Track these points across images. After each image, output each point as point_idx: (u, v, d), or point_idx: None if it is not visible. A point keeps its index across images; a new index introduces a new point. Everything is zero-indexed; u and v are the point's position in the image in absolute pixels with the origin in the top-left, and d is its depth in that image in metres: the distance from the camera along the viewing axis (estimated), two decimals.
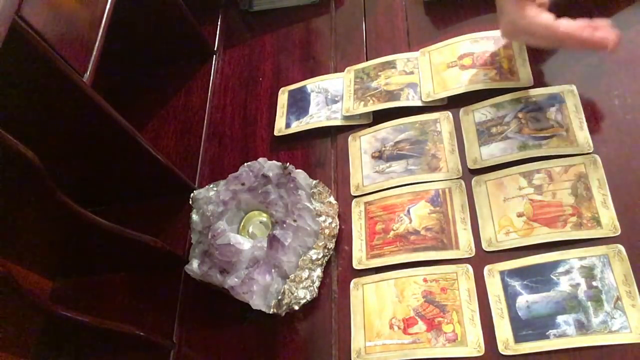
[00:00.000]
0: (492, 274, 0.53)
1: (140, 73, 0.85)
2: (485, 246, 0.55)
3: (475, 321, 0.52)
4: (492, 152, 0.59)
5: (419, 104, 0.66)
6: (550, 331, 0.49)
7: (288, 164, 0.63)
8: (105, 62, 0.57)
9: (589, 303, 0.49)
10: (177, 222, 0.70)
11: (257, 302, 0.57)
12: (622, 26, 0.61)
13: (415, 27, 0.73)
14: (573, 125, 0.58)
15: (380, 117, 0.68)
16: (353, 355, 0.54)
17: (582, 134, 0.57)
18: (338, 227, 0.61)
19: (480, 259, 0.55)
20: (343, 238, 0.61)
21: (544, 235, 0.53)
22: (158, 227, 0.70)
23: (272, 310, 0.57)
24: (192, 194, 0.68)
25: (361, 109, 0.68)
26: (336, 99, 0.71)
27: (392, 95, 0.68)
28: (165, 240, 0.64)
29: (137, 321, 0.64)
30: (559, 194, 0.55)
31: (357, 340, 0.55)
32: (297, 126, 0.71)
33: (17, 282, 0.44)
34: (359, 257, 0.59)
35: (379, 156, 0.65)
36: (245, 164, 0.65)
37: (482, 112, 0.63)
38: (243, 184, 0.63)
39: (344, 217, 0.63)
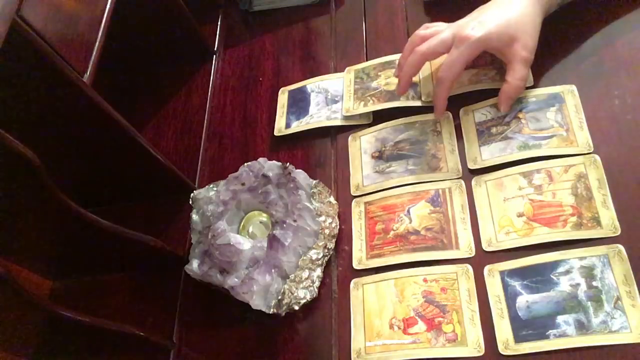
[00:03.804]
0: (492, 274, 0.53)
1: (140, 73, 0.85)
2: (485, 246, 0.55)
3: (475, 321, 0.52)
4: (492, 152, 0.59)
5: (419, 104, 0.66)
6: (550, 331, 0.49)
7: (288, 164, 0.63)
8: (105, 62, 0.57)
9: (589, 303, 0.49)
10: (177, 222, 0.70)
11: (257, 302, 0.57)
12: (623, 27, 0.61)
13: (415, 27, 0.72)
14: (573, 125, 0.58)
15: (380, 117, 0.68)
16: (353, 355, 0.54)
17: (582, 134, 0.57)
18: (338, 227, 0.61)
19: (480, 259, 0.55)
20: (343, 238, 0.61)
21: (544, 235, 0.53)
22: (158, 227, 0.70)
23: (272, 310, 0.57)
24: (192, 194, 0.68)
25: (361, 109, 0.68)
26: (336, 99, 0.71)
27: (392, 95, 0.68)
28: (165, 240, 0.64)
29: (137, 321, 0.64)
30: (559, 194, 0.55)
31: (357, 340, 0.55)
32: (297, 126, 0.71)
33: (17, 282, 0.44)
34: (359, 257, 0.59)
35: (379, 156, 0.65)
36: (245, 164, 0.65)
37: (482, 112, 0.63)
38: (243, 184, 0.63)
39: (344, 217, 0.63)
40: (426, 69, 0.68)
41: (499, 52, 0.59)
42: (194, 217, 0.65)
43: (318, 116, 0.71)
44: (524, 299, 0.51)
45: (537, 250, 0.53)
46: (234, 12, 0.88)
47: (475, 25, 0.57)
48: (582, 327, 0.48)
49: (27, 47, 0.47)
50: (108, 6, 0.58)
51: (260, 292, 0.57)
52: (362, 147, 0.67)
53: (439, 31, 0.60)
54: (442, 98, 0.61)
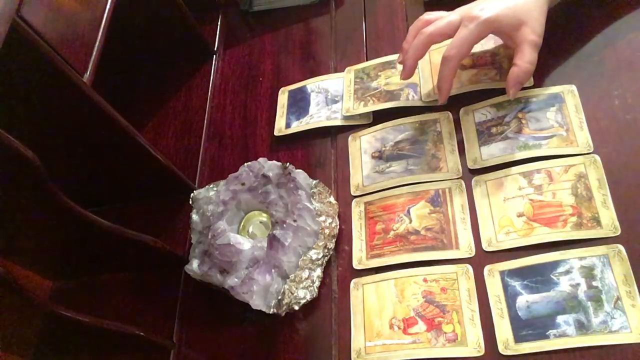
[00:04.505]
0: (492, 274, 0.53)
1: (140, 73, 0.85)
2: (485, 246, 0.55)
3: (475, 321, 0.52)
4: (492, 152, 0.59)
5: (419, 104, 0.66)
6: (550, 331, 0.49)
7: (288, 164, 0.63)
8: (105, 62, 0.57)
9: (589, 303, 0.49)
10: (177, 222, 0.70)
11: (257, 302, 0.57)
12: (623, 27, 0.61)
13: None
14: (573, 125, 0.58)
15: (380, 117, 0.68)
16: (353, 355, 0.54)
17: (582, 134, 0.57)
18: (338, 227, 0.61)
19: (480, 259, 0.55)
20: (343, 238, 0.61)
21: (544, 235, 0.53)
22: (158, 227, 0.70)
23: (272, 310, 0.57)
24: (192, 194, 0.68)
25: (361, 109, 0.68)
26: (336, 99, 0.71)
27: (392, 95, 0.68)
28: (165, 240, 0.64)
29: (137, 321, 0.64)
30: (559, 194, 0.55)
31: (357, 340, 0.55)
32: (297, 126, 0.71)
33: (17, 282, 0.44)
34: (359, 257, 0.59)
35: (379, 156, 0.65)
36: (245, 164, 0.65)
37: (482, 112, 0.63)
38: (243, 184, 0.63)
39: (344, 217, 0.63)
40: (426, 69, 0.68)
41: (507, 35, 0.58)
42: (194, 217, 0.65)
43: (318, 116, 0.71)
44: (524, 299, 0.51)
45: (537, 250, 0.53)
46: (234, 12, 0.88)
47: (484, 7, 0.56)
48: (582, 327, 0.48)
49: (27, 47, 0.47)
50: (108, 6, 0.58)
51: (260, 292, 0.57)
52: (362, 147, 0.67)
53: (445, 15, 0.60)
54: (448, 79, 0.59)
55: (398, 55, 0.64)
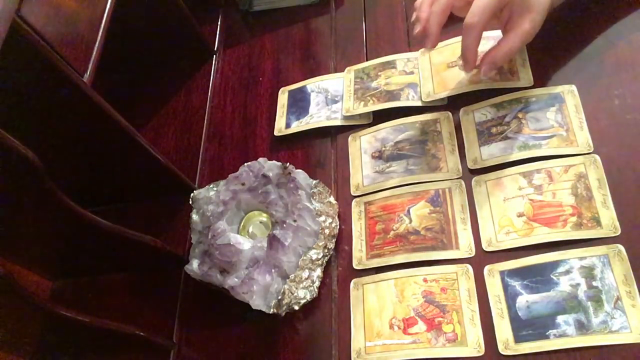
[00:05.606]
0: (492, 274, 0.53)
1: (140, 73, 0.85)
2: (485, 246, 0.55)
3: (475, 321, 0.52)
4: (492, 152, 0.59)
5: (419, 104, 0.66)
6: (550, 331, 0.49)
7: (288, 164, 0.63)
8: (105, 62, 0.57)
9: (589, 303, 0.49)
10: (177, 222, 0.70)
11: (257, 302, 0.57)
12: (624, 27, 0.61)
13: None
14: (573, 125, 0.58)
15: (380, 117, 0.68)
16: (353, 355, 0.54)
17: (582, 134, 0.57)
18: (338, 227, 0.62)
19: (480, 259, 0.55)
20: (343, 238, 0.61)
21: (544, 235, 0.53)
22: (158, 227, 0.70)
23: (272, 310, 0.57)
24: (192, 194, 0.68)
25: (361, 109, 0.68)
26: (336, 99, 0.71)
27: (392, 95, 0.68)
28: (165, 240, 0.64)
29: (137, 321, 0.64)
30: (559, 194, 0.55)
31: (357, 340, 0.55)
32: (297, 126, 0.71)
33: (17, 282, 0.44)
34: (359, 257, 0.59)
35: (379, 156, 0.65)
36: (245, 164, 0.65)
37: (482, 112, 0.63)
38: (243, 184, 0.63)
39: (344, 217, 0.63)
40: (426, 69, 0.68)
41: (511, 14, 0.57)
42: (194, 217, 0.65)
43: (318, 116, 0.71)
44: (524, 299, 0.51)
45: (537, 250, 0.53)
46: (234, 12, 0.88)
47: None
48: (582, 327, 0.48)
49: (27, 47, 0.47)
50: (108, 6, 0.58)
51: (260, 292, 0.57)
52: (362, 147, 0.67)
53: None
54: (473, 49, 0.57)
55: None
